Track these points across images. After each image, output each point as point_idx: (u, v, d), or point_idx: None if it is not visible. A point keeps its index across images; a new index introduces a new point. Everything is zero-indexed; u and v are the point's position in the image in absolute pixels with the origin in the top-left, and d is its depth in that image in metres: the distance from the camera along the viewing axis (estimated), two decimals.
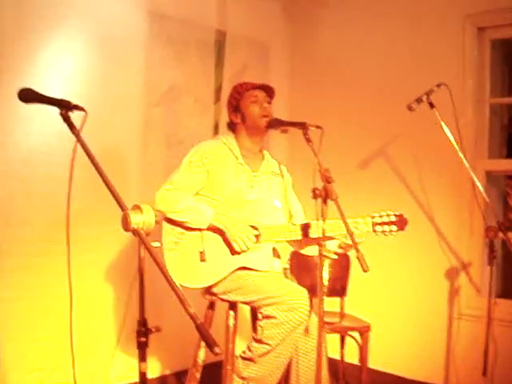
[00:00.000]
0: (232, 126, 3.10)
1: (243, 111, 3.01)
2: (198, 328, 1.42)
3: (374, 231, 2.82)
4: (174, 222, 2.86)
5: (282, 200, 3.10)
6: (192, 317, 1.43)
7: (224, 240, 2.86)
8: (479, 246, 3.93)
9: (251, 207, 2.93)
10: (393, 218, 2.81)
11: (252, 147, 3.07)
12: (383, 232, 2.81)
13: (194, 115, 4.23)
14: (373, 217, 2.82)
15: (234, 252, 2.84)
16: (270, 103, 3.03)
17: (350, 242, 2.47)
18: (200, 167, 2.91)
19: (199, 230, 2.85)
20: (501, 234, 3.13)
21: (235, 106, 3.03)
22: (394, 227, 2.80)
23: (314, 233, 2.82)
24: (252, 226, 2.85)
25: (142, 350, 1.70)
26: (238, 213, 2.88)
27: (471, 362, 3.72)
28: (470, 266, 3.93)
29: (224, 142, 3.03)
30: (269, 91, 3.04)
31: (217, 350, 1.37)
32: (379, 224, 2.81)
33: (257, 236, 2.84)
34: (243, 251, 2.83)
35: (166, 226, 2.89)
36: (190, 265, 2.83)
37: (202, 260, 2.81)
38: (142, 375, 1.72)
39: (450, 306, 3.97)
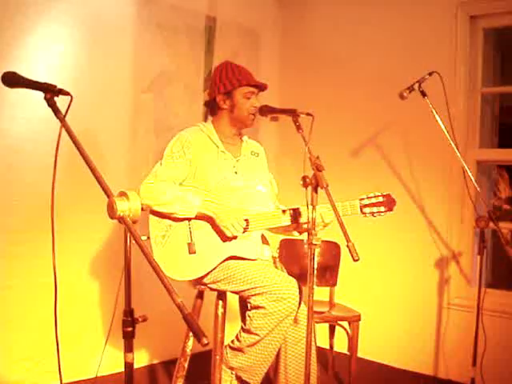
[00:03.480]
0: (214, 107, 3.02)
1: (235, 102, 2.93)
2: (186, 318, 1.39)
3: (363, 213, 2.85)
4: (161, 215, 2.81)
5: (266, 180, 3.07)
6: (179, 307, 1.40)
7: (213, 227, 2.82)
8: (469, 236, 3.94)
9: (237, 194, 2.89)
10: (380, 199, 2.84)
11: (231, 134, 3.03)
12: (371, 213, 2.84)
13: (184, 102, 4.19)
14: (361, 199, 2.85)
15: (225, 239, 2.81)
16: (257, 97, 2.99)
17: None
18: (182, 157, 2.86)
19: (188, 219, 2.81)
20: (491, 224, 3.12)
21: (228, 91, 2.93)
22: (382, 208, 2.84)
23: (303, 219, 2.82)
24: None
25: (128, 340, 1.67)
26: (225, 201, 2.84)
27: (460, 351, 3.74)
28: (460, 256, 3.93)
29: (202, 130, 2.97)
30: (262, 88, 2.99)
31: (204, 340, 1.33)
32: (367, 206, 2.84)
33: (245, 226, 2.81)
34: (234, 237, 2.80)
35: (152, 219, 2.83)
36: (178, 257, 2.78)
37: (191, 252, 2.76)
38: (128, 365, 1.68)
39: (439, 295, 3.97)
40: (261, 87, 2.98)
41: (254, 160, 3.08)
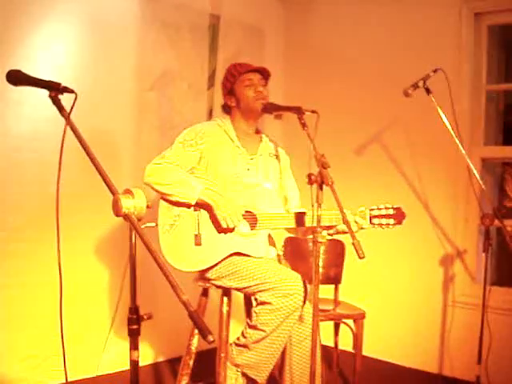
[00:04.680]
0: (227, 109, 3.07)
1: (238, 95, 2.97)
2: (191, 315, 1.38)
3: (372, 223, 2.81)
4: (167, 200, 2.80)
5: (278, 182, 3.07)
6: (185, 304, 1.40)
7: (211, 217, 2.80)
8: (474, 234, 3.93)
9: (247, 191, 2.89)
10: (391, 212, 2.80)
11: (248, 129, 3.04)
12: (380, 225, 2.81)
13: (188, 100, 4.19)
14: (371, 209, 2.82)
15: (220, 230, 2.79)
16: (265, 85, 2.99)
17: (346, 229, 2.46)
18: (193, 146, 2.87)
19: (188, 205, 2.78)
20: (496, 222, 3.11)
21: (229, 89, 3.00)
22: (391, 220, 2.80)
23: (309, 222, 2.79)
24: (248, 212, 2.82)
25: (134, 337, 1.66)
26: (233, 196, 2.83)
27: (465, 349, 3.72)
28: (465, 254, 3.93)
29: (219, 125, 2.99)
30: (264, 73, 3.00)
31: (210, 338, 1.33)
32: (377, 217, 2.80)
33: (253, 221, 2.80)
34: (229, 230, 2.78)
35: (162, 207, 2.83)
36: (184, 248, 2.77)
37: (198, 244, 2.75)
38: (134, 363, 1.68)
39: (444, 293, 3.97)
40: (260, 71, 2.98)
41: (270, 160, 3.07)
